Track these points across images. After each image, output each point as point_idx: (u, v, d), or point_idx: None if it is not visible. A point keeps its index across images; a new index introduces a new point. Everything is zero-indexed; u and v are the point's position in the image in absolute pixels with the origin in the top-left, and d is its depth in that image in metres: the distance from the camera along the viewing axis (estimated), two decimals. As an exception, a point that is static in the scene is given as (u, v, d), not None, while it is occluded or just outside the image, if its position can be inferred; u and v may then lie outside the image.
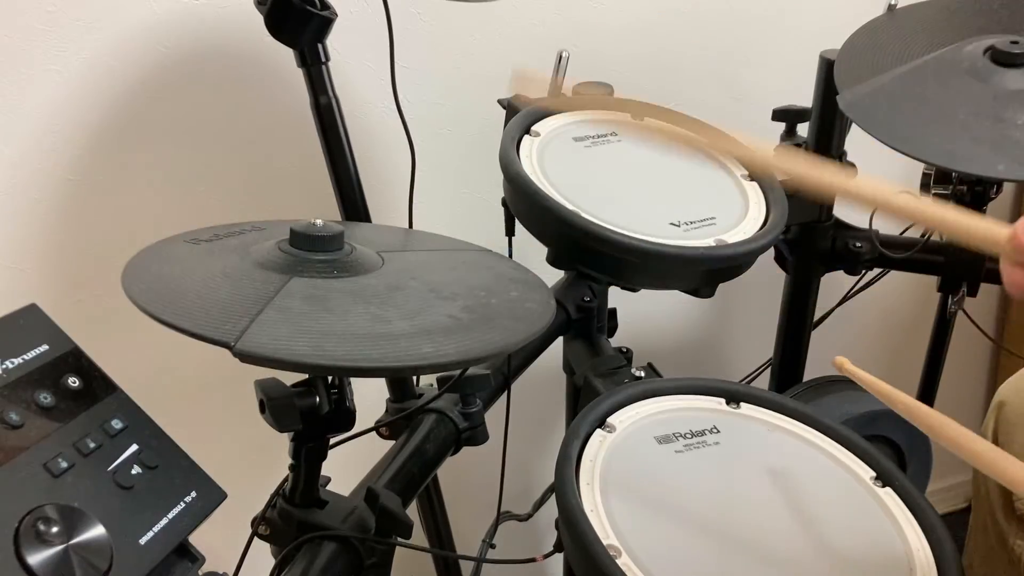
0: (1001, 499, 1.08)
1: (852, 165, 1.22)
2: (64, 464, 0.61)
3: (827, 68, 1.14)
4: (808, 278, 1.28)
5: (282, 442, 0.75)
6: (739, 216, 0.89)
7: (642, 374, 0.97)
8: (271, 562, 0.76)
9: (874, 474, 0.74)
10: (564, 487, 0.67)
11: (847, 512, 0.71)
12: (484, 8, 1.25)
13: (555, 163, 0.88)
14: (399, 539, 0.79)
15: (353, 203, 1.03)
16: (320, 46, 0.97)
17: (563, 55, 1.01)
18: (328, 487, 0.79)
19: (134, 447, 0.65)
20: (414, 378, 1.06)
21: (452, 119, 1.28)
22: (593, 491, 0.68)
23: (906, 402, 0.61)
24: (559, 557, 0.76)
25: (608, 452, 0.72)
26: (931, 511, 0.71)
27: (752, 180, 0.94)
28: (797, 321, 1.31)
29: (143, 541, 0.61)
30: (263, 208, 1.20)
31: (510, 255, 0.94)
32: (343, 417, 0.74)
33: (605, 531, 0.64)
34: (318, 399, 0.71)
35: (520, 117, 0.93)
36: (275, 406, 0.69)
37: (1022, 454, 1.04)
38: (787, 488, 0.73)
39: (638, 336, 1.21)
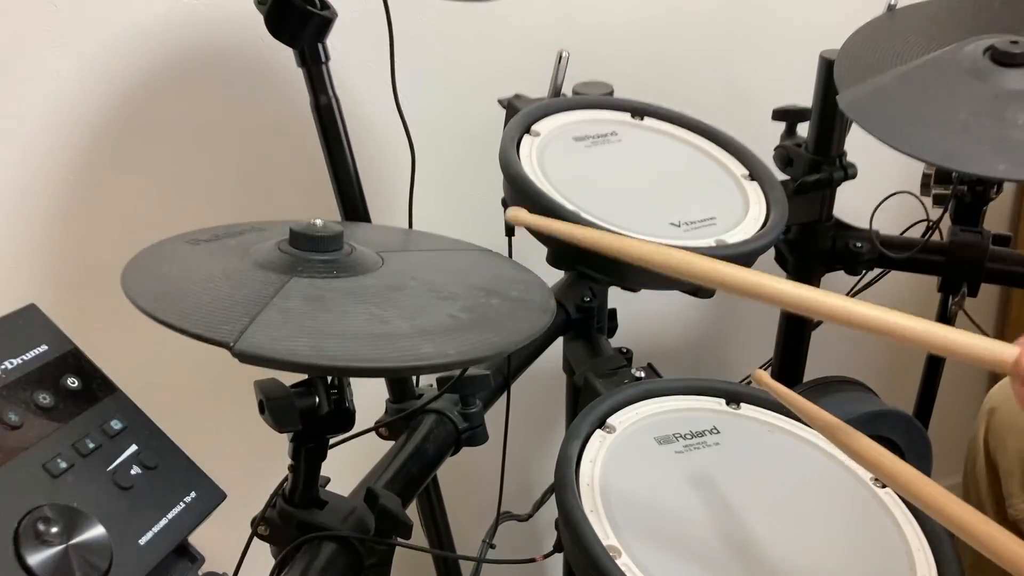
0: (992, 502, 1.08)
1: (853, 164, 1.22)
2: (63, 464, 0.61)
3: (827, 68, 1.13)
4: (808, 278, 1.28)
5: (282, 442, 0.75)
6: (739, 216, 0.89)
7: (642, 374, 0.97)
8: (271, 562, 0.76)
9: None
10: (564, 487, 0.67)
11: (847, 512, 0.71)
12: (484, 8, 1.25)
13: (555, 163, 0.88)
14: (399, 539, 0.79)
15: (353, 203, 1.03)
16: (320, 46, 0.97)
17: (563, 55, 1.01)
18: (328, 487, 0.79)
19: (133, 447, 0.65)
20: (414, 378, 1.06)
21: (452, 119, 1.28)
22: (593, 491, 0.68)
23: (826, 421, 0.60)
24: (559, 557, 0.76)
25: (608, 452, 0.72)
26: (931, 511, 0.70)
27: (753, 180, 0.94)
28: (797, 321, 1.31)
29: (143, 541, 0.61)
30: (263, 208, 1.20)
31: (510, 255, 0.94)
32: (343, 417, 0.73)
33: (605, 531, 0.64)
34: (318, 399, 0.71)
35: (520, 117, 0.93)
36: (275, 406, 0.69)
37: (1014, 460, 1.05)
38: (787, 488, 0.73)
39: (638, 336, 1.22)
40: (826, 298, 0.54)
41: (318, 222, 0.73)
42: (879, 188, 1.22)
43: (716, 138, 0.98)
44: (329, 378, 0.72)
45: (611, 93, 1.04)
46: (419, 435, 0.94)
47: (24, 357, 0.64)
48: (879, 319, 0.52)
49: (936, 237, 1.22)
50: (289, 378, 0.71)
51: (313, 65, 0.98)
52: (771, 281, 0.57)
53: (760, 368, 1.39)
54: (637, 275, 0.89)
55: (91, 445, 0.63)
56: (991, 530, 0.48)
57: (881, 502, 0.72)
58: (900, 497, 0.71)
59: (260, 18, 0.94)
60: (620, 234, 0.78)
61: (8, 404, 0.61)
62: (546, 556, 0.78)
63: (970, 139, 0.88)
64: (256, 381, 0.71)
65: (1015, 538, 0.48)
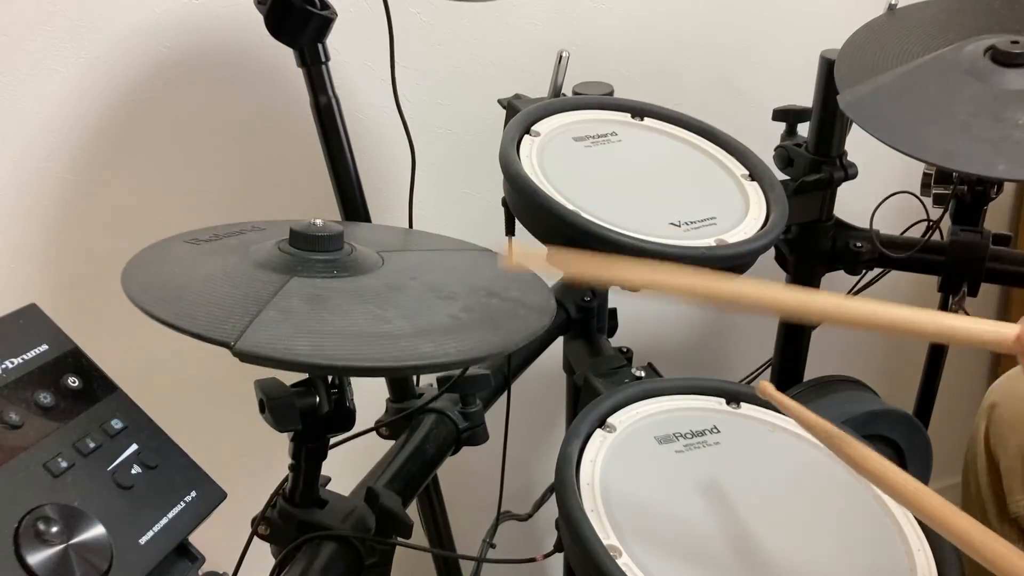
0: (994, 500, 1.08)
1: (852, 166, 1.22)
2: (64, 464, 0.61)
3: (827, 68, 1.14)
4: (808, 278, 1.28)
5: (282, 442, 0.75)
6: (739, 216, 0.89)
7: (642, 374, 0.97)
8: (271, 562, 0.76)
9: (874, 474, 0.74)
10: (564, 487, 0.67)
11: (847, 512, 0.71)
12: (484, 8, 1.25)
13: (555, 163, 0.88)
14: (399, 539, 0.79)
15: (353, 203, 1.03)
16: (320, 46, 0.97)
17: (563, 55, 1.01)
18: (328, 487, 0.79)
19: (134, 447, 0.65)
20: (414, 378, 1.06)
21: (452, 119, 1.28)
22: (593, 491, 0.68)
23: (827, 430, 0.61)
24: (559, 557, 0.76)
25: (608, 452, 0.72)
26: (931, 511, 0.70)
27: (753, 180, 0.94)
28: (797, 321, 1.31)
29: (143, 541, 0.61)
30: (263, 208, 1.20)
31: (510, 255, 0.94)
32: (343, 417, 0.74)
33: (605, 531, 0.64)
34: (318, 399, 0.71)
35: (520, 117, 0.93)
36: (275, 406, 0.69)
37: (1016, 456, 1.05)
38: (787, 488, 0.73)
39: (638, 336, 1.21)
40: (819, 299, 0.54)
41: (318, 222, 0.73)
42: (879, 188, 1.22)
43: (716, 138, 0.98)
44: (329, 377, 0.72)
45: (611, 93, 1.04)
46: (419, 435, 0.94)
47: (25, 357, 0.64)
48: (875, 313, 0.53)
49: (936, 237, 1.22)
50: (289, 377, 0.71)
51: (313, 65, 0.98)
52: (764, 288, 0.57)
53: (760, 367, 1.40)
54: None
55: (91, 444, 0.63)
56: (996, 544, 0.48)
57: (882, 502, 0.72)
58: None
59: (260, 18, 0.94)
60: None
61: (9, 404, 0.61)
62: (546, 556, 0.78)
63: (970, 139, 0.88)
64: (256, 380, 0.71)
65: (1019, 552, 0.48)
